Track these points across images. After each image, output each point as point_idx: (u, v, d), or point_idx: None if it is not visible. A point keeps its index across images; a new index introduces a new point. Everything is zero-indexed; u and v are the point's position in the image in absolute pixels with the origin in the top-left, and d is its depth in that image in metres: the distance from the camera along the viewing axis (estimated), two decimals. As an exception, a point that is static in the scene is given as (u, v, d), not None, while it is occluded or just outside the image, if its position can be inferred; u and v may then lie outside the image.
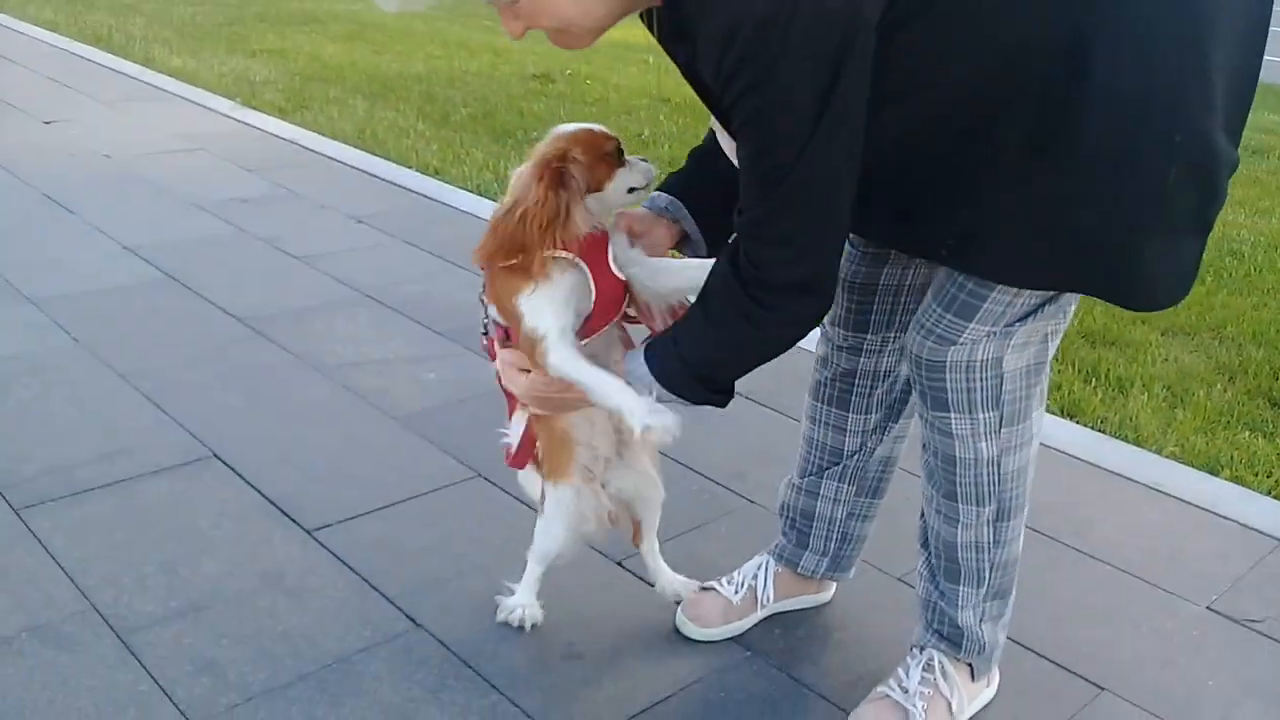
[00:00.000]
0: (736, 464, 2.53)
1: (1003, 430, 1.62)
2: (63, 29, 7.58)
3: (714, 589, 2.00)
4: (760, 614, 2.01)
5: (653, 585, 2.04)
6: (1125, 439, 2.82)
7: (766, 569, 2.02)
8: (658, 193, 1.73)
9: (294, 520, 2.24)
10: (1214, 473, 2.68)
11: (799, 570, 2.01)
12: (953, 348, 1.56)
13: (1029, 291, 1.52)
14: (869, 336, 1.82)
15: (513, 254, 1.57)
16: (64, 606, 1.95)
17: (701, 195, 1.70)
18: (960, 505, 1.69)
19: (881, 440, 1.91)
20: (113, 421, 2.57)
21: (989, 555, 1.73)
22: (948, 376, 1.58)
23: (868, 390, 1.86)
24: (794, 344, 1.52)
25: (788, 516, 2.01)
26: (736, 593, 1.99)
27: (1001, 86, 1.34)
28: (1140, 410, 2.97)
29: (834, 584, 2.09)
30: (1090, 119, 1.32)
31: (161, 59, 6.78)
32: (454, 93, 6.44)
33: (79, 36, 7.33)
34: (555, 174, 1.55)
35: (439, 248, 3.80)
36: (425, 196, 4.43)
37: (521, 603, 1.97)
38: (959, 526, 1.71)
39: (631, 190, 1.64)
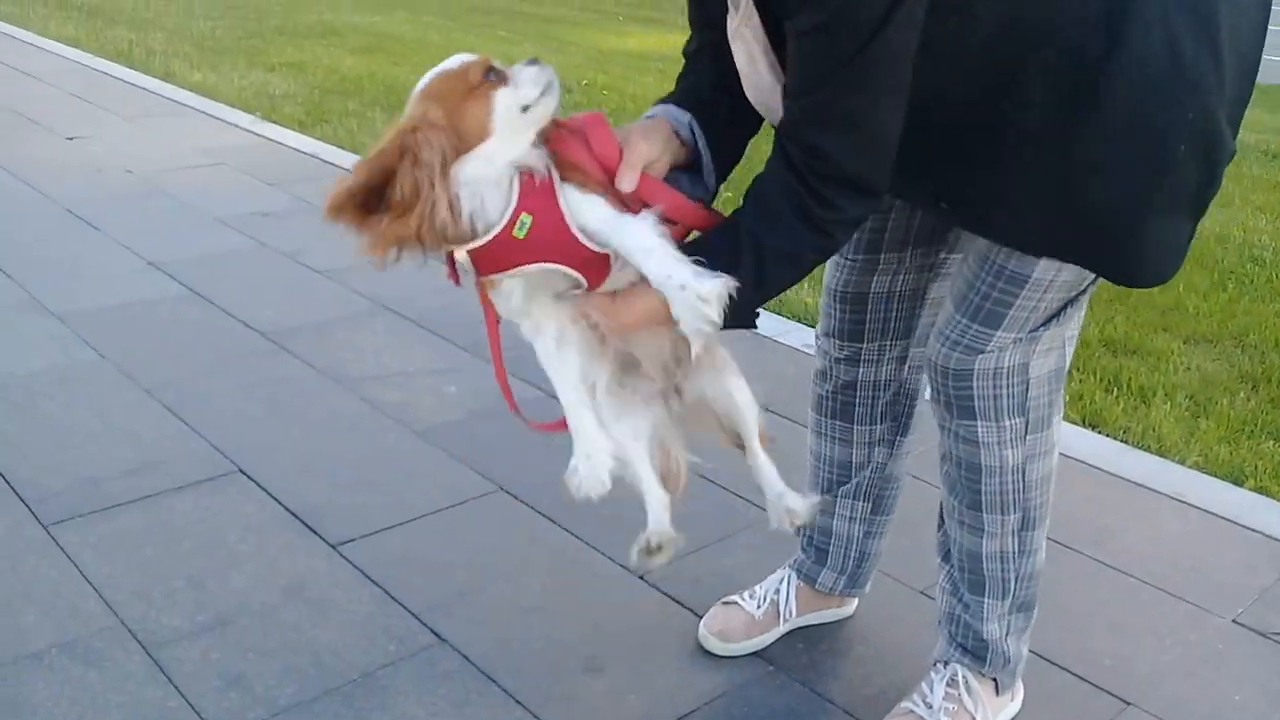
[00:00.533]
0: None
1: (1028, 437, 1.64)
2: (84, 45, 7.65)
3: (736, 603, 2.01)
4: (783, 628, 2.01)
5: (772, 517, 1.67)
6: (1148, 449, 2.81)
7: (788, 583, 2.02)
8: (673, 105, 1.49)
9: (318, 534, 2.26)
10: (1238, 483, 2.67)
11: (817, 587, 2.01)
12: (981, 356, 1.57)
13: (1052, 294, 1.53)
14: (865, 345, 1.82)
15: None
16: (93, 622, 1.97)
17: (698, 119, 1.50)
18: (985, 515, 1.69)
19: (891, 455, 1.91)
20: (139, 436, 2.60)
21: (1014, 565, 1.73)
22: (975, 384, 1.59)
23: (870, 401, 1.86)
24: (834, 253, 1.48)
25: (805, 534, 2.01)
26: (759, 607, 1.99)
27: (1039, 42, 1.34)
28: (1163, 420, 2.96)
29: (855, 598, 2.09)
30: (1118, 88, 1.33)
31: (182, 74, 6.84)
32: (471, 104, 6.46)
33: (100, 52, 7.40)
34: (397, 156, 1.22)
35: (458, 260, 3.82)
36: (444, 209, 4.45)
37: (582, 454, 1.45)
38: (984, 536, 1.71)
39: (526, 109, 1.31)
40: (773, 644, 2.00)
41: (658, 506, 1.59)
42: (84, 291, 3.43)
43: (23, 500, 2.31)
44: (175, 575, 2.11)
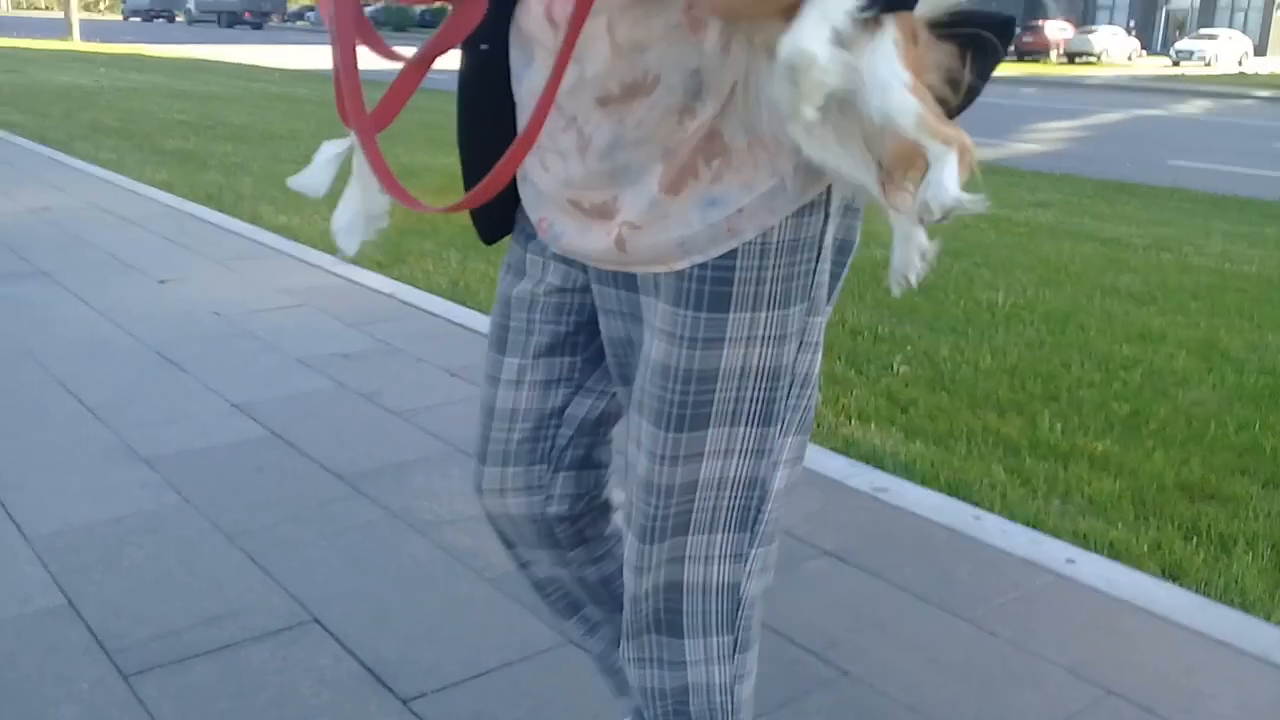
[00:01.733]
0: (829, 631, 2.51)
1: (736, 655, 1.56)
2: (176, 189, 8.08)
3: (809, 770, 1.97)
4: (857, 796, 1.96)
5: None
6: (1231, 604, 2.73)
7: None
8: None
9: (390, 689, 2.28)
10: (1329, 641, 2.57)
11: None
12: (687, 568, 1.49)
13: (728, 492, 1.46)
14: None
15: None
16: (171, 778, 2.00)
17: None
18: None
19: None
20: (219, 583, 2.66)
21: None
22: (685, 600, 1.51)
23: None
24: None
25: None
26: (832, 775, 1.95)
27: None
28: (1245, 571, 2.88)
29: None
30: None
31: (268, 216, 7.18)
32: (542, 243, 6.66)
33: (191, 196, 7.80)
34: None
35: (529, 402, 3.90)
36: (515, 349, 4.57)
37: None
38: None
39: None
40: (847, 813, 1.96)
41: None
42: (172, 435, 3.56)
43: (106, 652, 2.37)
44: (251, 730, 2.14)
